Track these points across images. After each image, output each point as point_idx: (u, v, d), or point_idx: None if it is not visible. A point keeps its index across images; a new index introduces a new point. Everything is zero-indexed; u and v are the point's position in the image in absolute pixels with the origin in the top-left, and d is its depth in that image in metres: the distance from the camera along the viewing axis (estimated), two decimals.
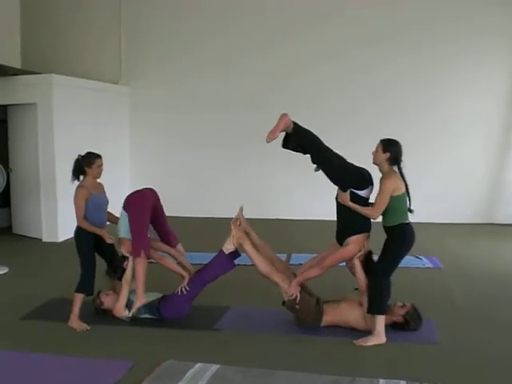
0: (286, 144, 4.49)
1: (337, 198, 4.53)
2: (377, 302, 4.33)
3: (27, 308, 5.21)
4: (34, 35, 10.60)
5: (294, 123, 4.41)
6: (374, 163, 4.42)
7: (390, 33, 9.54)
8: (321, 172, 4.53)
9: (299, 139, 4.43)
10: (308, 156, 4.53)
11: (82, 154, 4.94)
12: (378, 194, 4.31)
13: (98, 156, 4.93)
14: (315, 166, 4.53)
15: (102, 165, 4.94)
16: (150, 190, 4.99)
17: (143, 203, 4.83)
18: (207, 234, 8.35)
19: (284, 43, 9.93)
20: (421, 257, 6.98)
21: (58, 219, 8.32)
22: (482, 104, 9.40)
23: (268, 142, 4.34)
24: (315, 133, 4.52)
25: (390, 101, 9.64)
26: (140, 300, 4.77)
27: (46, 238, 8.42)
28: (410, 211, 4.39)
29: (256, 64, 10.07)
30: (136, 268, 4.75)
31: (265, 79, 10.06)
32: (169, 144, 10.55)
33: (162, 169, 10.44)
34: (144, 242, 4.76)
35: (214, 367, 3.88)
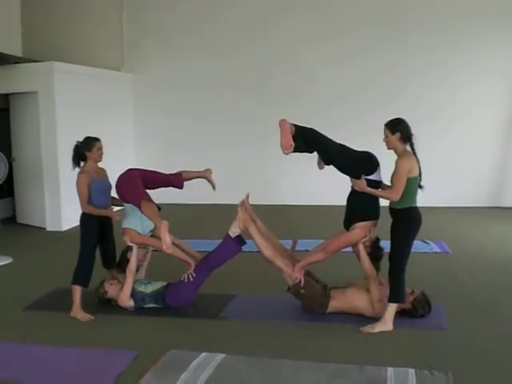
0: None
1: (353, 186, 4.45)
2: (398, 291, 4.27)
3: (31, 299, 5.16)
4: (35, 23, 10.48)
5: (295, 125, 4.33)
6: (389, 148, 4.31)
7: (394, 13, 9.41)
8: None
9: (304, 141, 4.34)
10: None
11: (80, 139, 4.89)
12: (394, 174, 4.19)
13: (97, 139, 4.87)
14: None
15: (101, 148, 4.88)
16: (130, 169, 4.96)
17: (130, 179, 4.78)
18: (214, 220, 8.28)
19: (286, 25, 9.81)
20: (428, 241, 6.89)
21: (61, 208, 8.27)
22: (490, 86, 9.27)
23: (287, 153, 4.28)
24: (316, 124, 4.47)
25: (391, 83, 9.52)
26: (162, 226, 4.41)
27: (50, 227, 8.38)
28: (420, 187, 4.30)
29: (260, 46, 9.97)
30: (143, 211, 4.60)
31: (270, 60, 9.96)
32: (173, 129, 10.48)
33: (166, 154, 10.30)
34: (139, 195, 4.66)
35: (220, 356, 3.82)
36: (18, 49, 10.25)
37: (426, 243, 6.83)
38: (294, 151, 4.31)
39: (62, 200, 8.25)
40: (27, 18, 10.47)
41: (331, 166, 4.48)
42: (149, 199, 4.71)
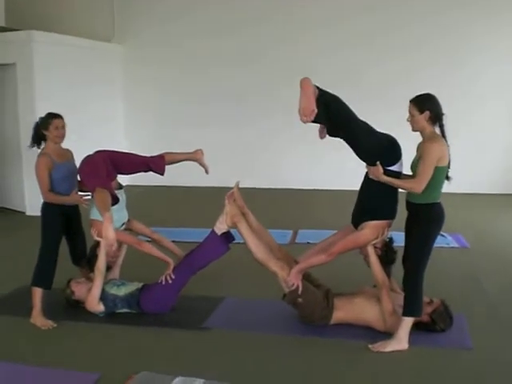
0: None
1: (367, 173, 3.72)
2: (413, 303, 3.56)
3: None
4: None
5: (318, 88, 3.40)
6: (414, 130, 3.60)
7: None
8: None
9: (326, 109, 3.41)
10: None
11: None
12: (422, 161, 3.47)
13: (57, 116, 4.14)
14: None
15: (62, 126, 4.14)
16: (98, 151, 4.24)
17: (93, 163, 4.10)
18: (207, 206, 7.56)
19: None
20: (444, 234, 6.14)
21: None
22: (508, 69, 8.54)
23: (306, 121, 3.35)
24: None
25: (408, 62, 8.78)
26: (105, 219, 3.72)
27: (29, 212, 7.68)
28: (448, 178, 3.59)
29: (259, 19, 9.21)
30: (94, 198, 3.94)
31: (267, 34, 9.22)
32: (165, 105, 9.78)
33: (158, 131, 9.65)
34: (97, 182, 3.98)
35: (198, 382, 3.15)
36: (1, 19, 9.48)
37: (442, 236, 6.07)
38: (314, 121, 3.42)
39: None
40: None
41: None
42: (109, 188, 4.00)
